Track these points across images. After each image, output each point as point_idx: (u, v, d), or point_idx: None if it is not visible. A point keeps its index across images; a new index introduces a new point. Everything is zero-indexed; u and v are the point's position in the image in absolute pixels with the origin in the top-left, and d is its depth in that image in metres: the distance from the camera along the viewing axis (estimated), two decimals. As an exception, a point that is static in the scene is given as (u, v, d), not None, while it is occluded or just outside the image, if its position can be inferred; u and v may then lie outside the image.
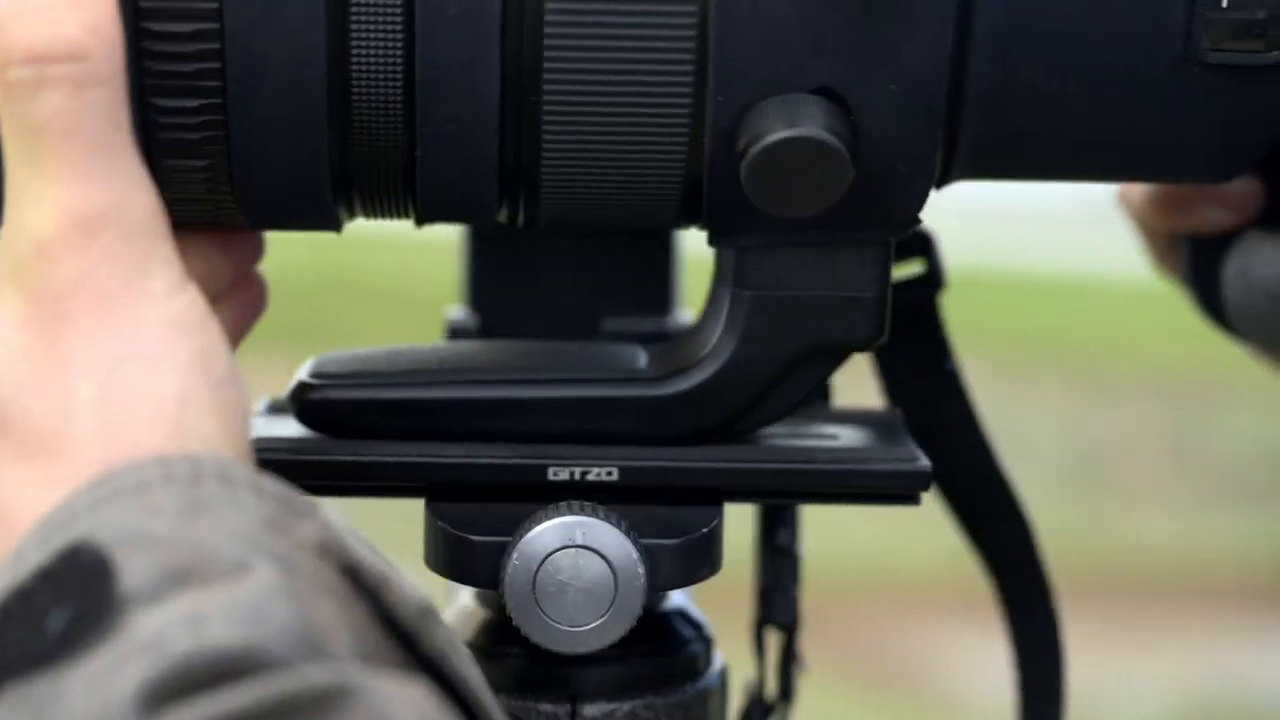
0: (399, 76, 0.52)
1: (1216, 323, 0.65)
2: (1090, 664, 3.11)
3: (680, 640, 0.61)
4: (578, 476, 0.55)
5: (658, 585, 0.55)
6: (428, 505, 0.56)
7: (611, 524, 0.54)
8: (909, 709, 2.76)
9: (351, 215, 0.57)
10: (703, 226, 0.56)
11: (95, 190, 0.48)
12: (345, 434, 0.56)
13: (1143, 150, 0.57)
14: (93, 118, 0.48)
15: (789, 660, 0.68)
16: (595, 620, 0.54)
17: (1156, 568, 3.34)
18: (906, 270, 0.67)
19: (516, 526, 0.54)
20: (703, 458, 0.56)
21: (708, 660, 0.62)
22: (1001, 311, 4.42)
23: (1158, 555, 3.37)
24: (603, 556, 0.54)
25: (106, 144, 0.49)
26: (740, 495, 0.57)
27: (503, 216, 0.56)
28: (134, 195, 0.49)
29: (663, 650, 0.61)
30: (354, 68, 0.52)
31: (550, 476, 0.55)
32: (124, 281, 0.48)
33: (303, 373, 0.57)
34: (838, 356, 0.57)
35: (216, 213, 0.55)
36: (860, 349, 0.57)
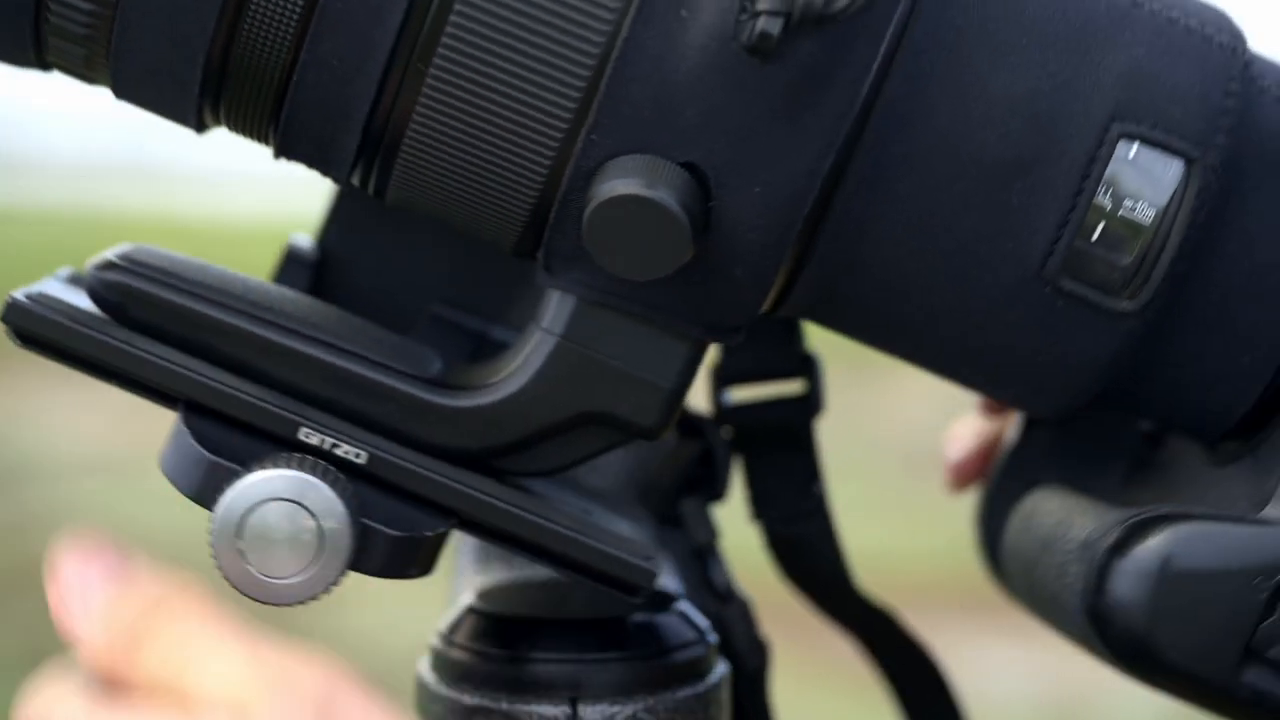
0: None
1: (991, 566, 0.65)
2: (1089, 665, 3.10)
3: (682, 643, 0.61)
4: (327, 446, 0.55)
5: (362, 567, 0.54)
6: (181, 410, 0.55)
7: (339, 494, 0.53)
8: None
9: (216, 119, 0.56)
10: (538, 259, 0.55)
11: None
12: (127, 323, 0.56)
13: (974, 356, 0.56)
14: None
15: (763, 694, 0.68)
16: (283, 577, 0.54)
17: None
18: (787, 389, 0.67)
19: (253, 461, 0.54)
20: (451, 476, 0.55)
21: (709, 663, 0.62)
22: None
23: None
24: (317, 522, 0.53)
25: None
26: (474, 526, 0.56)
27: (356, 178, 0.56)
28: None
29: (664, 652, 0.61)
30: None
31: (301, 436, 0.55)
32: None
33: (111, 252, 0.57)
34: (615, 434, 0.56)
35: (87, 62, 0.55)
36: (639, 436, 0.56)
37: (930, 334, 0.56)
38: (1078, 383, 0.56)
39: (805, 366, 0.67)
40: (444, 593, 0.70)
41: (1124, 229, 0.53)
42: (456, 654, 0.61)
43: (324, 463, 0.54)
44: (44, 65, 0.56)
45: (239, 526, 0.53)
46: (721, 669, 0.63)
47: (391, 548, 0.55)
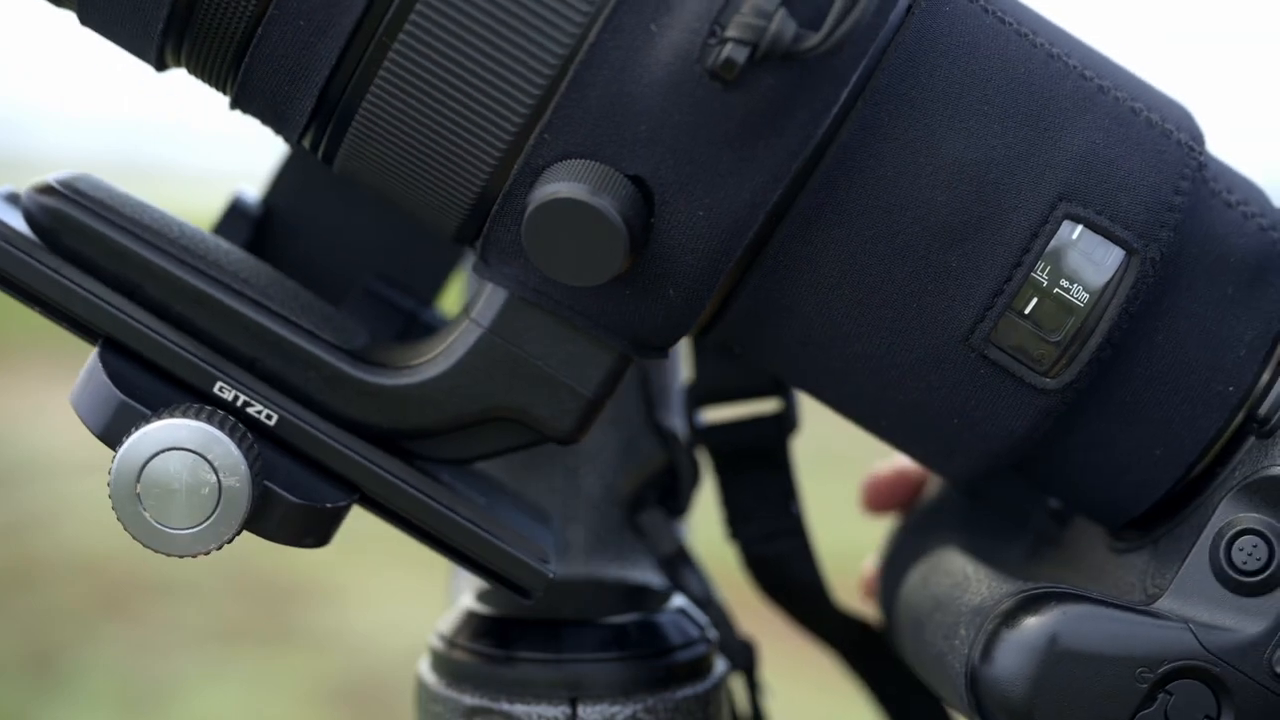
0: None
1: (884, 617, 0.65)
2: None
3: (682, 643, 0.61)
4: (239, 403, 0.55)
5: (260, 530, 0.54)
6: (99, 346, 0.55)
7: (243, 452, 0.53)
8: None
9: (177, 60, 0.56)
10: (475, 249, 0.55)
11: None
12: (58, 250, 0.55)
13: (892, 411, 0.56)
14: None
15: (754, 692, 0.68)
16: (177, 528, 0.53)
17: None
18: (761, 407, 0.67)
19: (162, 408, 0.54)
20: (359, 451, 0.55)
21: (709, 663, 0.62)
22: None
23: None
24: (218, 477, 0.53)
25: None
26: (376, 505, 0.56)
27: (307, 141, 0.56)
28: None
29: (663, 653, 0.61)
30: None
31: (215, 390, 0.55)
32: None
33: (52, 177, 0.56)
34: (528, 434, 0.56)
35: None
36: (550, 439, 0.56)
37: (851, 383, 0.56)
38: (990, 451, 0.56)
39: (779, 385, 0.67)
40: (444, 593, 0.70)
41: (1057, 307, 0.54)
42: (457, 654, 0.61)
43: (233, 419, 0.54)
44: None
45: (140, 471, 0.53)
46: (721, 669, 0.63)
47: (289, 513, 0.54)
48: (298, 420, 0.55)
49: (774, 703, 0.69)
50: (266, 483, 0.54)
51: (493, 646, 0.60)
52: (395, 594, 2.60)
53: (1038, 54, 0.54)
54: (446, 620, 0.63)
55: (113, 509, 0.53)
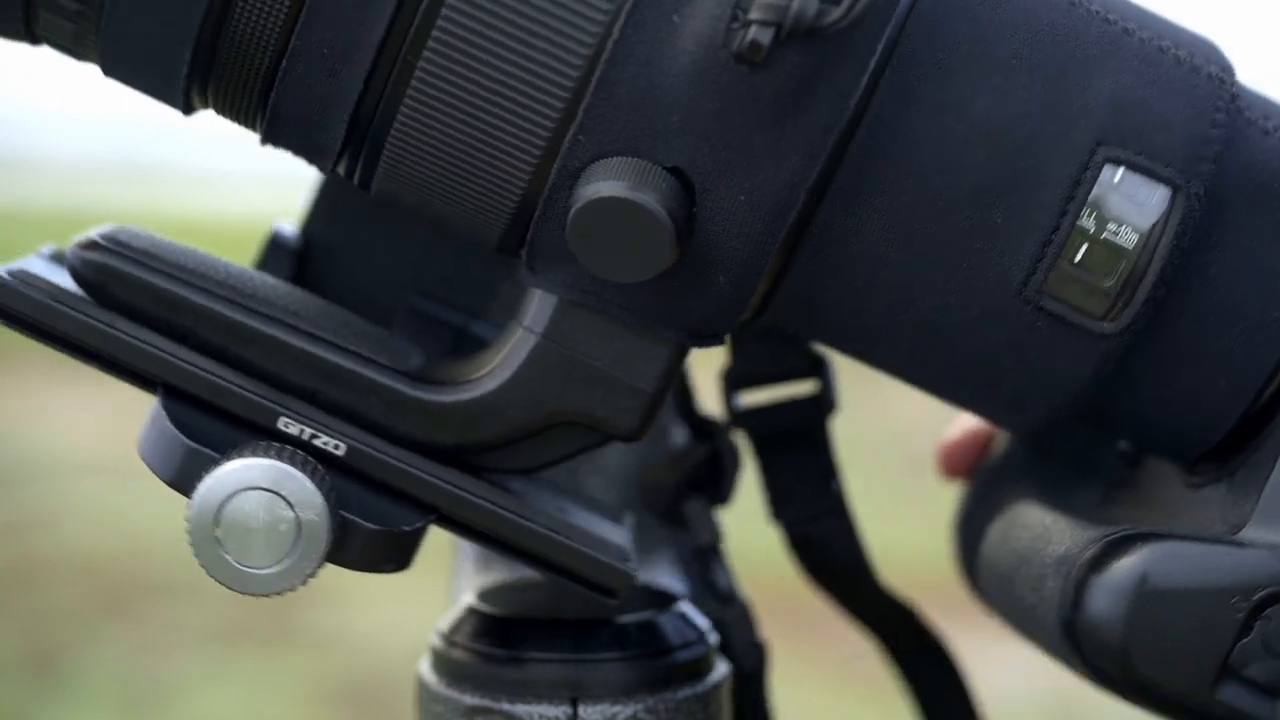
0: None
1: (966, 576, 0.65)
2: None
3: (682, 643, 0.61)
4: (306, 436, 0.55)
5: (343, 561, 0.54)
6: (160, 395, 0.55)
7: (317, 485, 0.53)
8: (907, 708, 2.76)
9: (204, 102, 0.56)
10: (521, 258, 0.55)
11: None
12: (108, 304, 0.55)
13: (953, 371, 0.56)
14: None
15: (762, 694, 0.68)
16: (260, 567, 0.53)
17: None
18: (799, 389, 0.67)
19: (231, 449, 0.54)
20: (430, 471, 0.55)
21: (710, 663, 0.62)
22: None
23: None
24: (295, 512, 0.53)
25: None
26: (453, 523, 0.56)
27: (342, 168, 0.56)
28: None
29: (664, 653, 0.61)
30: None
31: (280, 425, 0.55)
32: None
33: (95, 232, 0.56)
34: (593, 436, 0.56)
35: (76, 38, 0.55)
36: (617, 438, 0.56)
37: (909, 348, 0.56)
38: (1055, 401, 0.56)
39: (816, 367, 0.67)
40: (444, 593, 0.70)
41: (1107, 252, 0.54)
42: (457, 654, 0.61)
43: (303, 453, 0.54)
44: (33, 39, 0.56)
45: (217, 514, 0.53)
46: (722, 669, 0.63)
47: (369, 541, 0.54)
48: (366, 447, 0.55)
49: (781, 703, 0.69)
50: (343, 513, 0.54)
51: (494, 646, 0.60)
52: (395, 594, 2.60)
53: (1058, 3, 0.54)
54: (447, 619, 0.63)
55: (195, 555, 0.53)
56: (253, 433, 0.55)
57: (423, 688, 0.62)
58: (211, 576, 0.53)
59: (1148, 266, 0.54)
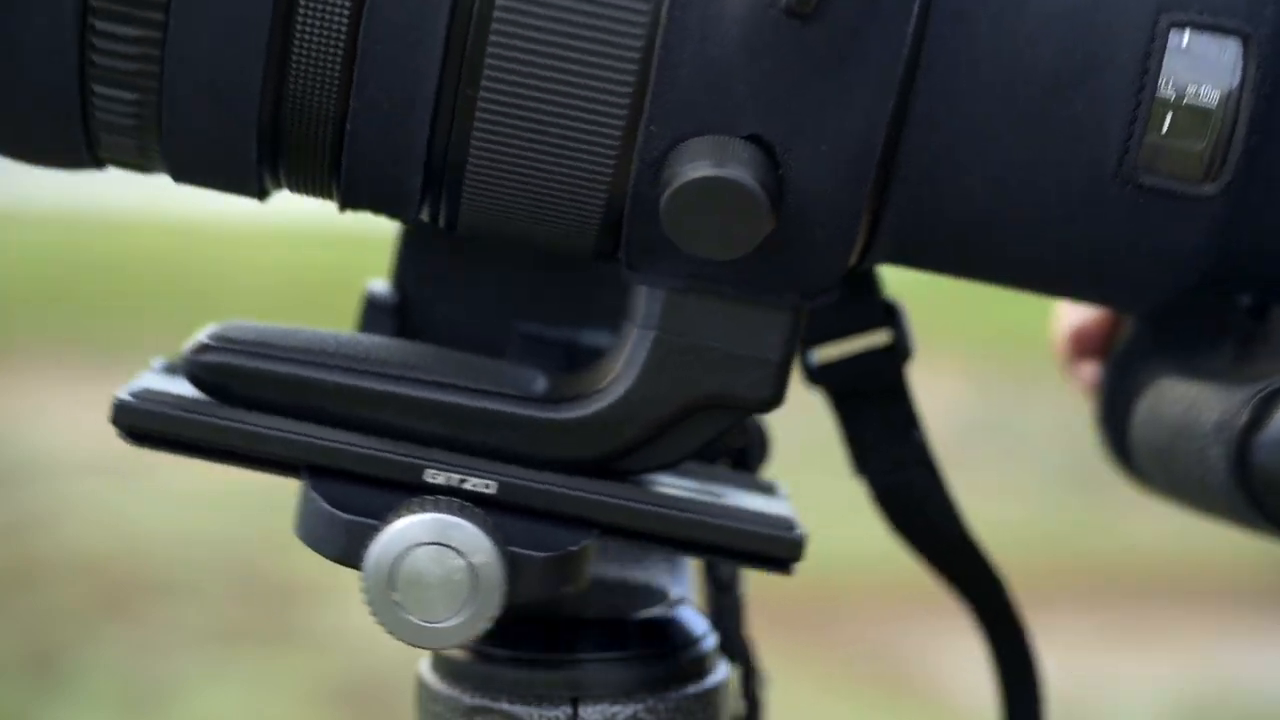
0: (341, 44, 0.52)
1: (1120, 462, 0.65)
2: (1089, 664, 3.10)
3: (683, 643, 0.61)
4: (455, 483, 0.55)
5: (519, 594, 0.55)
6: (306, 477, 0.55)
7: (480, 527, 0.54)
8: (907, 708, 2.76)
9: (278, 185, 0.56)
10: (620, 258, 0.55)
11: None
12: (233, 401, 0.56)
13: (1067, 266, 0.56)
14: None
15: (752, 693, 0.68)
16: (443, 620, 0.54)
17: (1155, 568, 3.34)
18: (873, 340, 0.67)
19: (388, 513, 0.54)
20: (582, 488, 0.55)
21: (711, 663, 0.62)
22: (1001, 311, 4.42)
23: (1156, 556, 3.37)
24: (466, 559, 0.53)
25: None
26: (614, 530, 0.56)
27: (425, 214, 0.56)
28: None
29: (665, 653, 0.61)
30: (297, 28, 0.52)
31: (427, 478, 0.55)
32: None
33: (203, 335, 0.57)
34: (732, 414, 0.56)
35: (141, 151, 0.55)
36: (755, 411, 0.56)
37: (1019, 253, 0.56)
38: (1173, 273, 0.56)
39: (889, 315, 0.67)
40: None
41: (1192, 116, 0.54)
42: (457, 654, 0.61)
43: (457, 500, 0.54)
44: (99, 163, 0.56)
45: (390, 578, 0.53)
46: (723, 669, 0.63)
47: (543, 570, 0.55)
48: (516, 480, 0.55)
49: (775, 701, 0.69)
50: (511, 549, 0.54)
51: (493, 646, 0.60)
52: (396, 594, 2.59)
53: None
54: (447, 620, 0.63)
55: (378, 622, 0.54)
56: (403, 491, 0.55)
57: (422, 687, 0.62)
58: (400, 640, 0.54)
59: (1235, 119, 0.54)
